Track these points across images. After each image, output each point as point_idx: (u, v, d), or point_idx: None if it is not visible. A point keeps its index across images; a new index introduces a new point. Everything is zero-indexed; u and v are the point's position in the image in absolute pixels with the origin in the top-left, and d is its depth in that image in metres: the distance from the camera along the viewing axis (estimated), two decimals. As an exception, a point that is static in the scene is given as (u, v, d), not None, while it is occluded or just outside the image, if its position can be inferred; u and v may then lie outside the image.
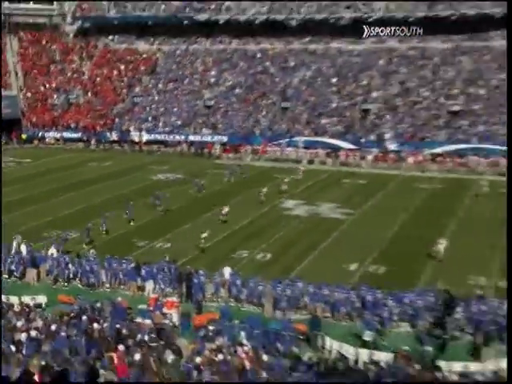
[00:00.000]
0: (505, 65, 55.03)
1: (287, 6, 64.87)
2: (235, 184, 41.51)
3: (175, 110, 60.37)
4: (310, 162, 49.63)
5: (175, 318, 20.46)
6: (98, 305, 20.10)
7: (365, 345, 18.62)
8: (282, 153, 51.96)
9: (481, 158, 47.16)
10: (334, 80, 58.77)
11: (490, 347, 18.22)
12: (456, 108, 52.43)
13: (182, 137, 56.50)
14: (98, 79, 64.90)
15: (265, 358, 15.44)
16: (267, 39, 64.99)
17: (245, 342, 17.45)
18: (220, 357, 14.46)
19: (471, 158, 47.48)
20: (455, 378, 16.24)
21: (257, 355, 15.54)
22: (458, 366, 17.30)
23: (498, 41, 57.60)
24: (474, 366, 17.40)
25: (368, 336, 19.10)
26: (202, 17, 66.65)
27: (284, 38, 64.70)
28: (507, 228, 26.47)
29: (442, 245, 26.81)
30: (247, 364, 14.23)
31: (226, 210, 32.10)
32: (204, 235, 27.70)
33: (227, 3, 67.17)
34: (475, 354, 18.29)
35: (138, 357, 13.29)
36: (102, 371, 11.47)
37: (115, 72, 66.13)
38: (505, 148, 46.52)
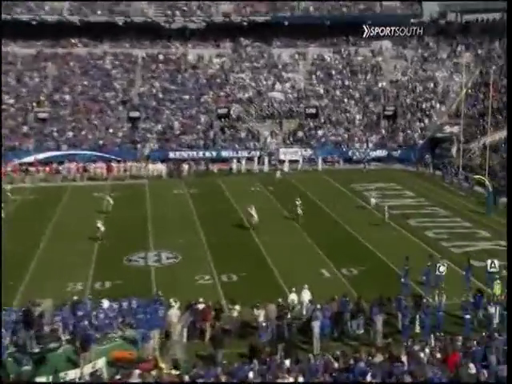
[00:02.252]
0: (88, 70, 56.41)
1: None
2: None
3: None
4: None
5: None
6: None
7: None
8: None
9: (71, 165, 45.59)
10: None
11: (92, 352, 17.95)
12: (45, 115, 51.14)
13: None
14: None
15: None
16: None
17: None
18: None
19: (63, 165, 45.54)
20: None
21: None
22: (58, 378, 16.79)
23: (81, 48, 58.63)
24: (73, 373, 17.02)
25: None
26: None
27: None
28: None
29: (101, 227, 29.61)
30: None
31: None
32: None
33: None
34: (73, 360, 17.81)
35: None
36: None
37: None
38: (94, 153, 47.07)
